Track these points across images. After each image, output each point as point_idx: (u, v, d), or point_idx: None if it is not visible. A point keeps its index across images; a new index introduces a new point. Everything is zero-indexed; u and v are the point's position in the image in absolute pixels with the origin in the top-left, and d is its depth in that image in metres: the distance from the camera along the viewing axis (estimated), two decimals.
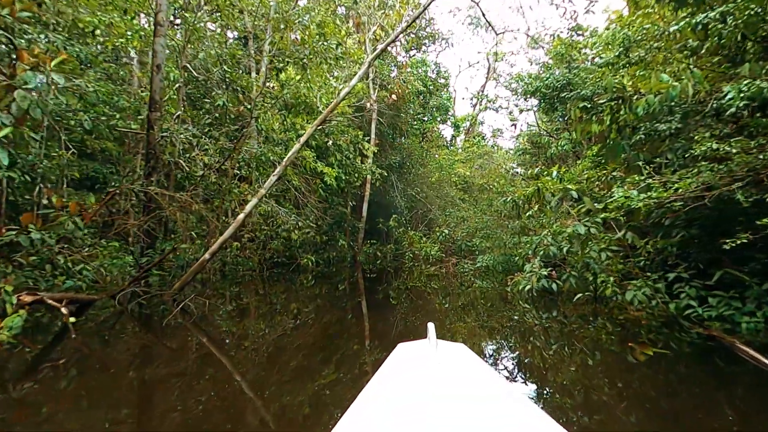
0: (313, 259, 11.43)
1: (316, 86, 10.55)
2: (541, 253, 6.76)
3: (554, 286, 6.39)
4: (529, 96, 11.41)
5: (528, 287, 6.63)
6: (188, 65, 9.95)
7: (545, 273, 6.50)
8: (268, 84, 10.08)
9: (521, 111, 14.91)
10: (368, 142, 15.06)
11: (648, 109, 5.06)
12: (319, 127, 8.31)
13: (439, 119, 26.88)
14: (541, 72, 11.44)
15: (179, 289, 6.29)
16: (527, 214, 9.07)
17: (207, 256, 6.59)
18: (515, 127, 13.64)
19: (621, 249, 6.12)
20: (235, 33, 13.85)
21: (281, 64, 8.75)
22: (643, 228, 6.54)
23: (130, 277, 8.40)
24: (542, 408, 2.14)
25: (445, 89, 27.06)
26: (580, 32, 12.46)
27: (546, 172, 8.34)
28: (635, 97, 5.62)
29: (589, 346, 4.85)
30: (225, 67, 8.43)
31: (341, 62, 9.25)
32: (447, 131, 29.98)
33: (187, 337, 5.42)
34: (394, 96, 17.83)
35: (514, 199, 7.65)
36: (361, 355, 4.94)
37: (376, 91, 17.89)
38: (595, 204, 6.00)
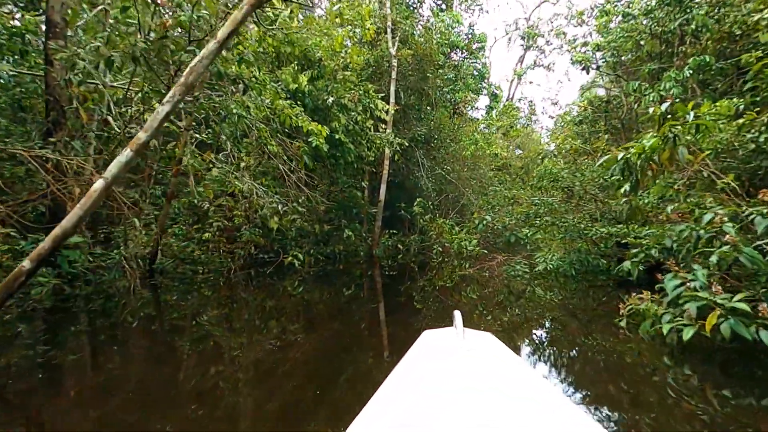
0: (301, 256, 8.24)
1: None
2: (715, 259, 3.25)
3: (763, 334, 2.87)
4: None
5: (689, 331, 3.11)
6: None
7: (742, 304, 2.93)
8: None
9: (595, 48, 10.88)
10: (386, 106, 11.63)
11: None
12: (255, 8, 4.97)
13: (473, 91, 23.08)
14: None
15: None
16: (622, 189, 5.59)
17: (26, 264, 3.47)
18: (587, 71, 9.80)
19: None
20: None
21: None
22: None
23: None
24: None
25: (481, 54, 23.19)
26: None
27: (673, 111, 4.75)
28: None
29: None
30: None
31: None
32: (483, 102, 26.09)
33: None
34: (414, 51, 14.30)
35: (627, 157, 4.15)
36: None
37: (395, 44, 14.41)
38: None
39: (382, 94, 11.75)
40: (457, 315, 1.95)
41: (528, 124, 22.12)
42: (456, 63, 20.99)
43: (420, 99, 16.64)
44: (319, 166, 12.21)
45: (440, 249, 13.26)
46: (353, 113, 10.12)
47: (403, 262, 13.21)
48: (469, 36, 22.50)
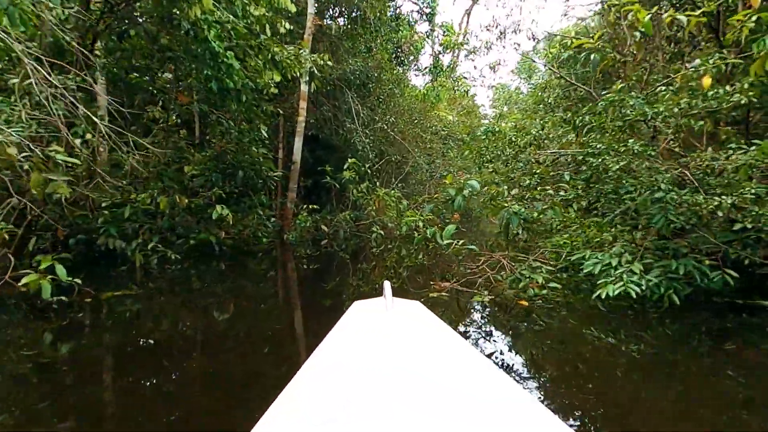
0: (62, 267, 3.61)
1: None
2: None
3: None
4: None
5: None
6: None
7: None
8: None
9: None
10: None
11: None
12: None
13: (419, 31, 18.80)
14: None
15: None
16: None
17: None
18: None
19: None
20: None
21: None
22: None
23: None
24: None
25: None
26: None
27: None
28: None
29: None
30: None
31: None
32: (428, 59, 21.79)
33: None
34: None
35: None
36: None
37: None
38: None
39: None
40: (387, 285, 1.96)
41: (495, 66, 18.51)
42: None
43: (353, 26, 12.10)
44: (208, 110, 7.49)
45: (381, 232, 9.26)
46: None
47: (329, 250, 9.22)
48: None
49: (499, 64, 19.45)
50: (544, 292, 3.91)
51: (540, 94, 11.66)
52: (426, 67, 19.78)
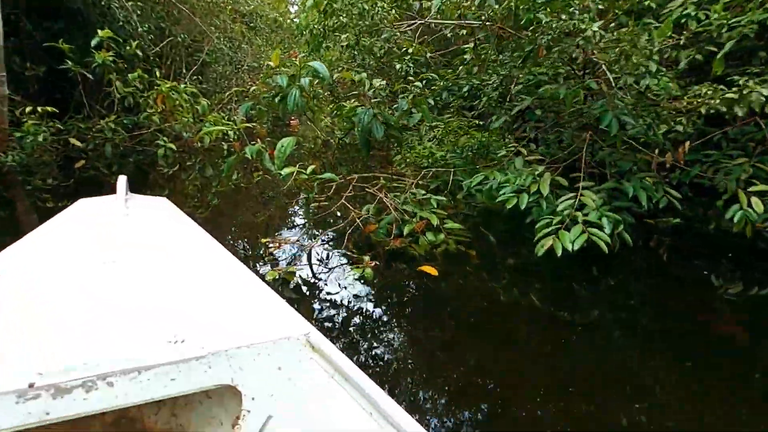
0: None
1: None
2: None
3: None
4: None
5: None
6: None
7: None
8: None
9: None
10: None
11: None
12: None
13: None
14: None
15: None
16: None
17: None
18: None
19: None
20: None
21: None
22: None
23: None
24: None
25: None
26: None
27: None
28: None
29: None
30: None
31: None
32: None
33: None
34: None
35: None
36: None
37: None
38: None
39: None
40: (122, 180, 1.73)
41: None
42: None
43: None
44: None
45: (171, 146, 6.48)
46: None
47: (91, 175, 6.27)
48: None
49: None
50: (441, 237, 2.56)
51: None
52: None
